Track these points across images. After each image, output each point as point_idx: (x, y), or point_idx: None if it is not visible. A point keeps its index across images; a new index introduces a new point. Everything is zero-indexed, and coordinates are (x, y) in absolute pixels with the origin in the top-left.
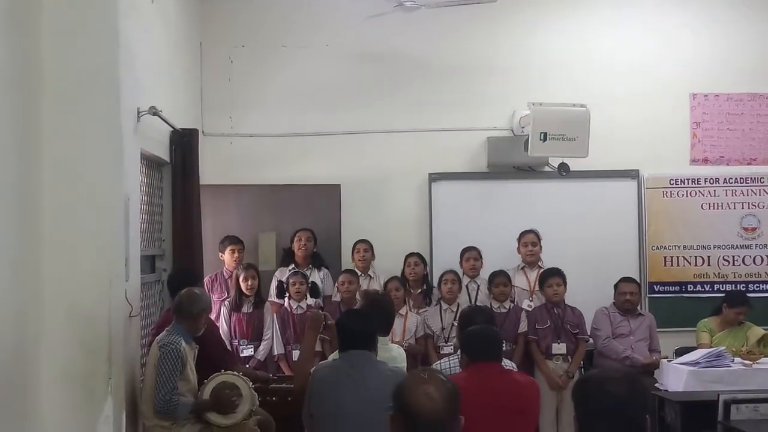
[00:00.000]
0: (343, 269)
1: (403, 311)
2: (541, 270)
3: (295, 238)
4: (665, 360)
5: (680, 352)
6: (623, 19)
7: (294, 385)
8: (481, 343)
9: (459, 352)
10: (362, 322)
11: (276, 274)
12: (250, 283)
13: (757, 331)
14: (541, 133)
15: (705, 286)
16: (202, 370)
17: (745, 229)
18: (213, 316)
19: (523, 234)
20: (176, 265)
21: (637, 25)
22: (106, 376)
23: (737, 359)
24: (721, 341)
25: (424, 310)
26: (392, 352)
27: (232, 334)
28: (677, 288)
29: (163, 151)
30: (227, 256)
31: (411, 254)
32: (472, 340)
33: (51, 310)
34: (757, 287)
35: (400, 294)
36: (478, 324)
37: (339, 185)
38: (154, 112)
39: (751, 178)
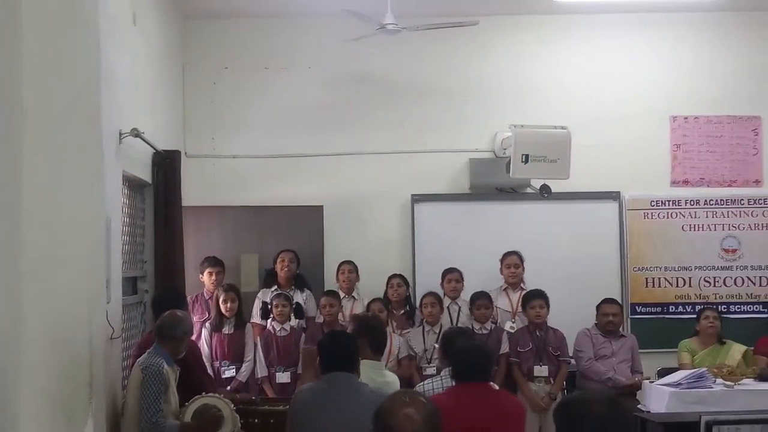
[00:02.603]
0: (325, 290)
1: None
2: (524, 291)
3: (278, 259)
4: (647, 381)
5: (662, 373)
6: (604, 41)
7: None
8: (470, 362)
9: (442, 373)
10: (344, 343)
11: (259, 295)
12: (229, 305)
13: (740, 347)
14: (522, 154)
15: (686, 307)
16: (182, 393)
17: (726, 250)
18: (194, 337)
19: (505, 255)
20: (160, 286)
21: (618, 48)
22: (86, 399)
23: (719, 380)
24: (703, 361)
25: (407, 331)
26: (387, 377)
27: (214, 355)
28: (659, 309)
29: (145, 173)
30: (206, 278)
31: (394, 275)
32: (460, 358)
33: (30, 332)
34: (738, 308)
35: (383, 315)
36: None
37: (322, 206)
38: (136, 134)
39: (732, 200)
